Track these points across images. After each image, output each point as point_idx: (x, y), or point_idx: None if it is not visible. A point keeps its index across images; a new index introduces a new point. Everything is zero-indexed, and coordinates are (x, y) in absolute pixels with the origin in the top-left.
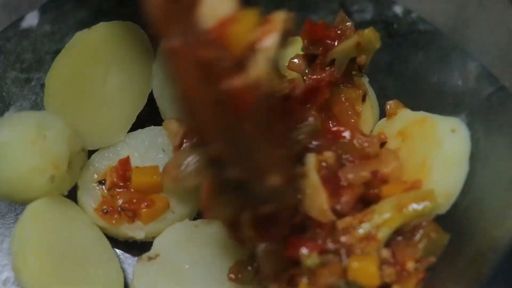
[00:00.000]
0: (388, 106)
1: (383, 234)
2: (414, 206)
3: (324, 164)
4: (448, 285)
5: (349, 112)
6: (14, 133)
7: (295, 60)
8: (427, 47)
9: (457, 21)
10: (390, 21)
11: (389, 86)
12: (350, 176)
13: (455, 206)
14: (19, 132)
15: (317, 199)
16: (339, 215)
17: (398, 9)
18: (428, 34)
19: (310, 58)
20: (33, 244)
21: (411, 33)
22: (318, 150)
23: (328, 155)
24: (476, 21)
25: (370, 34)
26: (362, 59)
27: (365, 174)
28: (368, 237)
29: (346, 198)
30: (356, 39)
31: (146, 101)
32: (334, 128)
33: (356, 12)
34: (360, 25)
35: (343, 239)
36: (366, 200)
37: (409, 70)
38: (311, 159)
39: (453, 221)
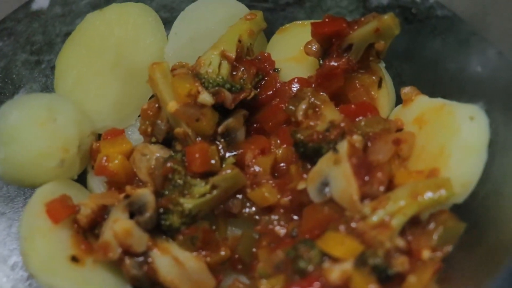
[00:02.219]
0: (404, 92)
1: (397, 222)
2: (430, 194)
3: (355, 146)
4: (465, 276)
5: (364, 98)
6: (23, 115)
7: (311, 45)
8: (445, 33)
9: (476, 7)
10: (408, 6)
11: (405, 72)
12: (380, 156)
13: (472, 196)
14: (28, 115)
15: (348, 190)
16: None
17: None
18: (446, 19)
19: (326, 43)
20: (42, 229)
21: (428, 19)
22: (344, 134)
23: (357, 139)
24: (495, 7)
25: (389, 20)
26: (381, 45)
27: (390, 146)
28: (382, 225)
29: (379, 176)
30: (375, 25)
31: None
32: (353, 107)
33: None
34: (376, 10)
35: (354, 225)
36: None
37: (426, 56)
38: (344, 146)
39: (471, 211)
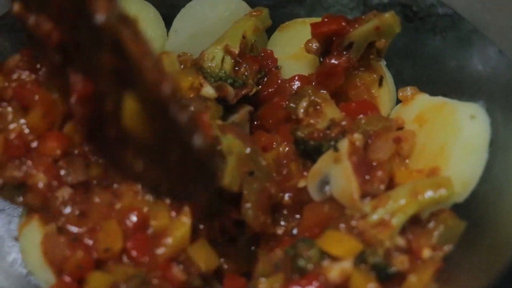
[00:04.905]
0: (401, 95)
1: (397, 220)
2: (430, 193)
3: (356, 145)
4: (465, 275)
5: (365, 97)
6: None
7: (312, 43)
8: (446, 31)
9: (475, 4)
10: (408, 4)
11: (406, 70)
12: (381, 155)
13: (473, 195)
14: None
15: (348, 188)
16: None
17: None
18: (446, 17)
19: (327, 41)
20: (41, 225)
21: (429, 17)
22: (345, 133)
23: (358, 137)
24: (495, 5)
25: (390, 18)
26: (382, 43)
27: (390, 144)
28: (382, 224)
29: (379, 174)
30: (375, 23)
31: None
32: (354, 105)
33: None
34: (377, 8)
35: (354, 223)
36: None
37: (426, 54)
38: (344, 145)
39: (471, 210)
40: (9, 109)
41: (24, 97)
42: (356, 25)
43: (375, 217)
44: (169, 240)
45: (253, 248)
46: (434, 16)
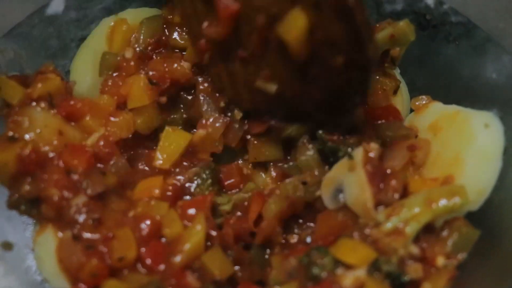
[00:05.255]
0: (415, 102)
1: (411, 229)
2: (444, 202)
3: (370, 155)
4: (479, 284)
5: (383, 104)
6: None
7: None
8: (459, 39)
9: (488, 13)
10: (422, 12)
11: (419, 78)
12: (395, 163)
13: (487, 203)
14: None
15: (362, 197)
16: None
17: (429, 0)
18: (460, 25)
19: None
20: (55, 233)
21: (443, 25)
22: (361, 140)
23: (374, 147)
24: (509, 13)
25: (405, 27)
26: (396, 51)
27: (404, 153)
28: (396, 232)
29: (394, 183)
30: (390, 31)
31: None
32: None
33: (386, 3)
34: (390, 16)
35: (367, 232)
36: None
37: (440, 63)
38: (359, 153)
39: (486, 218)
40: (26, 118)
41: (70, 111)
42: None
43: (389, 225)
44: (183, 248)
45: (267, 256)
46: (448, 24)
